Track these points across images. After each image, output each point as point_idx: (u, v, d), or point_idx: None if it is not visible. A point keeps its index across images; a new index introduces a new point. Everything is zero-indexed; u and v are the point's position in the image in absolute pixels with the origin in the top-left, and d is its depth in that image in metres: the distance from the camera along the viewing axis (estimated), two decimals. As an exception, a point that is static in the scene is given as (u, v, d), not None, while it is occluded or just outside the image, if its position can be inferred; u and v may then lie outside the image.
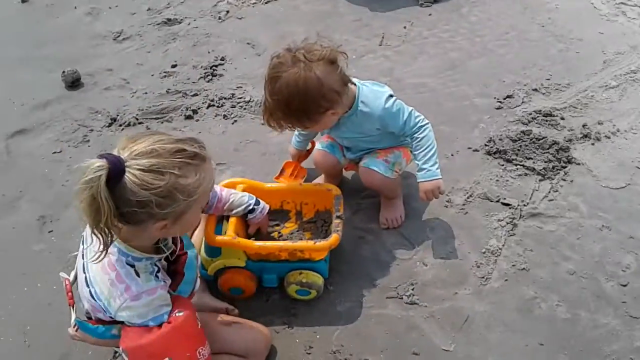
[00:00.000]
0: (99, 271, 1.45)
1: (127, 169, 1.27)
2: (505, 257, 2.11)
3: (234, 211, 1.92)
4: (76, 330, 1.55)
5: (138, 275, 1.43)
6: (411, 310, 1.96)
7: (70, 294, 1.59)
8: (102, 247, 1.34)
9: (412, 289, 2.02)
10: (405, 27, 3.48)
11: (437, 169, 2.02)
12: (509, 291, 2.00)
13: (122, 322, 1.46)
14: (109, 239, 1.33)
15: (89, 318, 1.57)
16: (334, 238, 1.86)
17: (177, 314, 1.46)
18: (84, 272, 1.51)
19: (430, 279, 2.05)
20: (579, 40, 3.29)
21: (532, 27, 3.44)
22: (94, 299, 1.47)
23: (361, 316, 1.95)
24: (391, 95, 2.02)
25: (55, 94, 3.08)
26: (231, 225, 1.91)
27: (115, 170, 1.25)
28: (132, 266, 1.44)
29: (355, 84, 2.00)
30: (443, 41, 3.36)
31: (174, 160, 1.31)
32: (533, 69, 3.08)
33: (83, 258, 1.54)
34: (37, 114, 2.95)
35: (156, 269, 1.49)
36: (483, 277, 2.05)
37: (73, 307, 1.60)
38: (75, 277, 1.62)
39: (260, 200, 1.98)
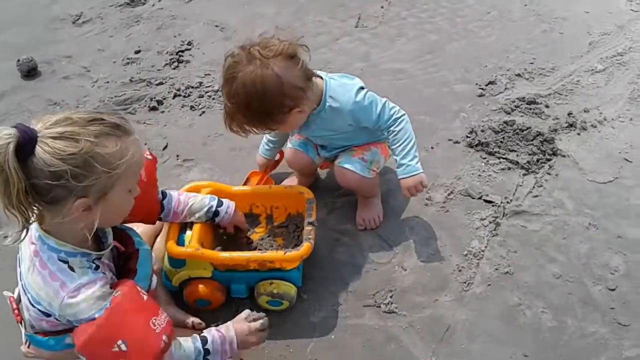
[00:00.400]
0: (32, 274, 1.32)
1: (39, 138, 1.17)
2: (488, 260, 2.00)
3: (196, 216, 1.80)
4: (28, 347, 1.45)
5: (73, 270, 1.30)
6: (389, 319, 1.85)
7: (16, 310, 1.46)
8: (21, 225, 1.24)
9: (391, 296, 1.91)
10: (382, 7, 3.32)
11: (417, 163, 1.90)
12: (492, 297, 1.90)
13: (71, 328, 1.34)
14: (27, 217, 1.22)
15: (37, 332, 1.44)
16: (305, 247, 1.74)
17: (115, 295, 1.32)
18: (21, 280, 1.38)
19: (409, 284, 1.94)
20: (563, 20, 3.16)
21: (514, 6, 3.30)
22: (33, 305, 1.34)
23: (337, 327, 1.84)
24: (362, 88, 1.88)
25: (11, 84, 2.88)
26: (194, 233, 1.77)
27: (26, 138, 1.14)
28: (65, 262, 1.30)
29: (322, 78, 1.86)
30: (422, 22, 3.21)
31: (89, 127, 1.21)
32: (516, 52, 2.95)
33: (20, 265, 1.40)
34: (-9, 106, 2.76)
35: (94, 266, 1.35)
36: (465, 282, 1.94)
37: (22, 323, 1.46)
38: (19, 296, 1.47)
39: (223, 200, 1.84)
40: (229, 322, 1.55)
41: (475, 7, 3.31)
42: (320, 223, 2.11)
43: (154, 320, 1.33)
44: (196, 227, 1.79)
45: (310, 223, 1.81)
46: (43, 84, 2.88)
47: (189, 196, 1.80)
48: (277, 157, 2.27)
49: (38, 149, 1.16)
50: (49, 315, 1.34)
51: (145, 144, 2.50)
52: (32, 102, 2.77)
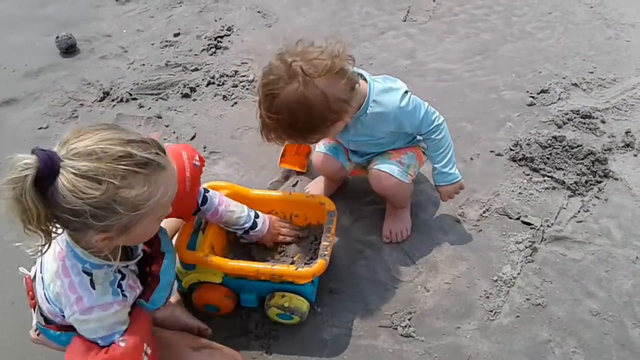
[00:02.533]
0: (53, 275, 1.29)
1: (61, 169, 1.08)
2: (519, 289, 1.85)
3: (227, 228, 1.75)
4: (38, 335, 1.43)
5: (93, 286, 1.26)
6: (405, 344, 1.73)
7: (31, 293, 1.43)
8: (43, 240, 1.17)
9: (409, 319, 1.79)
10: (434, 1, 3.15)
11: (456, 170, 1.88)
12: (519, 330, 1.75)
13: None
14: (49, 236, 1.16)
15: (48, 322, 1.41)
16: (319, 264, 1.63)
17: (119, 343, 1.27)
18: (41, 272, 1.36)
19: (431, 307, 1.82)
20: (632, 27, 2.92)
21: (579, 8, 3.07)
22: (49, 302, 1.33)
23: (349, 346, 1.74)
24: (406, 92, 1.76)
25: (49, 60, 2.88)
26: (207, 237, 1.71)
27: (46, 170, 1.06)
28: (89, 274, 1.26)
29: (365, 79, 1.74)
30: (475, 19, 3.02)
31: (116, 167, 1.10)
32: (575, 59, 2.73)
33: (41, 272, 1.38)
34: (27, 82, 2.76)
35: (119, 276, 1.30)
36: (491, 311, 1.80)
37: (34, 309, 1.44)
38: (36, 273, 1.44)
39: (260, 217, 1.77)
40: None
41: (535, 6, 3.10)
42: (344, 232, 2.04)
43: None
44: (208, 230, 1.72)
45: (327, 238, 1.70)
46: (80, 62, 2.86)
47: (229, 208, 1.71)
48: None
49: (59, 181, 1.08)
50: (63, 316, 1.32)
51: (174, 132, 2.45)
52: (67, 81, 2.75)
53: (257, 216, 1.76)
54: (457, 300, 1.84)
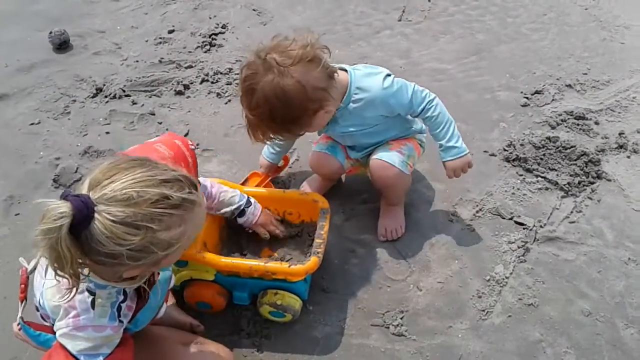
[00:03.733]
0: (53, 287, 1.27)
1: (96, 215, 1.06)
2: (511, 288, 1.85)
3: (222, 211, 1.73)
4: (19, 330, 1.39)
5: (94, 307, 1.23)
6: (397, 342, 1.73)
7: (23, 286, 1.39)
8: (71, 285, 1.14)
9: (401, 318, 1.78)
10: (429, 1, 3.15)
11: (462, 143, 1.84)
12: (511, 330, 1.75)
13: None
14: (77, 281, 1.14)
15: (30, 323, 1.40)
16: (312, 262, 1.62)
17: None
18: (44, 277, 1.33)
19: (423, 307, 1.81)
20: (626, 29, 2.93)
21: (574, 10, 3.08)
22: (41, 307, 1.32)
23: (340, 345, 1.73)
24: (389, 74, 1.77)
25: (42, 56, 2.85)
26: (199, 235, 1.67)
27: (81, 218, 1.04)
28: (93, 294, 1.23)
29: (345, 70, 1.75)
30: (470, 20, 3.02)
31: (153, 211, 1.09)
32: (569, 60, 2.74)
33: (44, 277, 1.34)
34: (19, 77, 2.74)
35: (121, 298, 1.28)
36: (483, 310, 1.79)
37: (22, 304, 1.40)
38: (34, 268, 1.40)
39: (252, 199, 1.77)
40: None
41: (530, 7, 3.10)
42: (337, 230, 2.03)
43: None
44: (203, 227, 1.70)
45: (320, 236, 1.69)
46: (73, 59, 2.84)
47: (221, 190, 1.72)
48: (281, 163, 2.17)
49: (95, 227, 1.05)
50: (52, 325, 1.30)
51: (167, 129, 2.43)
52: (59, 77, 2.73)
53: (248, 199, 1.76)
54: (450, 299, 1.83)
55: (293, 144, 2.07)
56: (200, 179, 1.68)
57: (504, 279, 1.87)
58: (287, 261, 1.72)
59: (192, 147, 1.58)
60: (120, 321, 1.28)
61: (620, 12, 3.02)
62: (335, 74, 1.68)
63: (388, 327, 1.76)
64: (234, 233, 1.85)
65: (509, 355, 1.69)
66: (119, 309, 1.27)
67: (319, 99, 1.61)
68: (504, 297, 1.83)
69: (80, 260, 1.09)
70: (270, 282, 1.69)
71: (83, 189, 1.09)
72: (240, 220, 1.76)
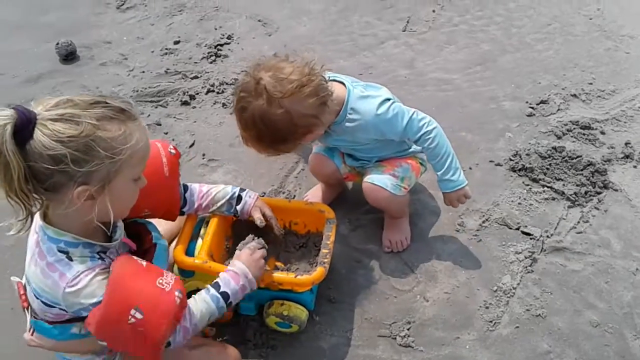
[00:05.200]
0: (32, 265, 1.28)
1: (38, 120, 1.11)
2: (519, 299, 1.84)
3: (218, 204, 1.72)
4: (32, 334, 1.39)
5: (71, 259, 1.24)
6: (404, 354, 1.72)
7: (24, 296, 1.39)
8: (24, 213, 1.19)
9: (408, 329, 1.77)
10: (434, 11, 3.16)
11: (460, 175, 1.82)
12: (519, 341, 1.74)
13: (81, 318, 1.29)
14: (29, 205, 1.18)
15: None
16: (318, 272, 1.62)
17: (110, 269, 1.27)
18: (28, 282, 1.34)
19: (430, 317, 1.80)
20: (631, 39, 2.93)
21: (578, 20, 3.08)
22: (36, 297, 1.30)
23: (347, 356, 1.72)
24: (387, 99, 1.75)
25: (49, 67, 2.88)
26: (205, 244, 1.69)
27: (24, 120, 1.09)
28: (65, 252, 1.24)
29: (344, 85, 1.76)
30: (475, 30, 3.03)
31: (92, 111, 1.15)
32: (574, 70, 2.74)
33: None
34: (27, 88, 2.76)
35: (97, 257, 1.28)
36: (491, 322, 1.79)
37: (27, 309, 1.40)
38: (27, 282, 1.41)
39: (246, 188, 1.76)
40: (234, 260, 1.55)
41: (534, 17, 3.11)
42: (343, 241, 2.02)
43: (160, 280, 1.28)
44: (207, 237, 1.70)
45: (327, 246, 1.69)
46: (80, 69, 2.86)
47: (211, 187, 1.73)
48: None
49: (37, 132, 1.10)
50: (53, 307, 1.28)
51: (173, 139, 2.44)
52: (66, 87, 2.75)
53: (242, 190, 1.75)
54: (457, 310, 1.82)
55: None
56: (188, 184, 1.70)
57: (511, 290, 1.86)
58: (293, 271, 1.72)
59: (172, 151, 1.58)
60: (103, 260, 1.28)
61: (625, 22, 3.03)
62: (329, 99, 1.67)
63: (395, 338, 1.75)
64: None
65: (517, 366, 1.69)
66: (94, 257, 1.27)
67: (306, 125, 1.64)
68: (512, 307, 1.82)
69: (27, 179, 1.11)
70: (276, 293, 1.69)
71: None
72: (239, 208, 1.73)
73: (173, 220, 1.69)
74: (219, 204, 1.72)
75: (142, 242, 1.45)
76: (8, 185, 1.11)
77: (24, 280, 1.41)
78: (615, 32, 2.97)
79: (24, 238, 2.04)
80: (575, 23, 3.06)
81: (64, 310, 1.27)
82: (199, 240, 1.73)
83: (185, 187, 1.69)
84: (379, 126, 1.74)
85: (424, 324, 1.79)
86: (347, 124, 1.74)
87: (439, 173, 1.82)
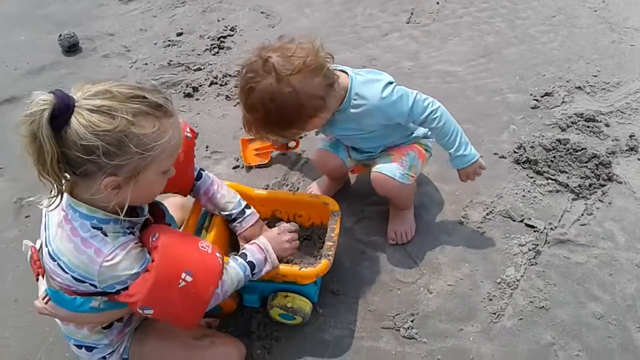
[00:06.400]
0: (63, 240, 1.28)
1: (76, 108, 1.12)
2: (522, 291, 1.84)
3: (217, 212, 1.72)
4: (46, 302, 1.37)
5: (106, 235, 1.27)
6: (408, 345, 1.72)
7: (38, 262, 1.38)
8: (55, 191, 1.21)
9: (412, 320, 1.77)
10: (438, 3, 3.15)
11: (471, 149, 1.82)
12: (522, 333, 1.74)
13: (104, 294, 1.31)
14: (60, 183, 1.19)
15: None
16: (323, 264, 1.62)
17: (152, 239, 1.31)
18: (46, 246, 1.33)
19: (433, 309, 1.80)
20: (635, 31, 2.91)
21: (583, 12, 3.06)
22: (65, 271, 1.28)
23: (351, 348, 1.72)
24: (390, 83, 1.74)
25: (51, 59, 2.87)
26: (210, 237, 1.68)
27: (62, 107, 1.10)
28: (99, 229, 1.26)
29: (347, 73, 1.74)
30: (479, 22, 3.01)
31: (129, 105, 1.15)
32: (579, 62, 2.72)
33: (46, 230, 1.35)
34: (29, 80, 2.76)
35: (128, 231, 1.31)
36: (495, 313, 1.79)
37: (43, 276, 1.38)
38: (41, 247, 1.40)
39: (250, 210, 1.73)
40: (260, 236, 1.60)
41: (539, 9, 3.09)
42: (346, 233, 2.02)
43: (201, 244, 1.36)
44: (212, 229, 1.70)
45: (331, 238, 1.69)
46: (83, 61, 2.86)
47: (221, 191, 1.70)
48: (293, 144, 2.19)
49: (73, 120, 1.11)
50: (84, 282, 1.29)
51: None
52: (69, 80, 2.74)
53: (247, 207, 1.73)
54: (460, 302, 1.82)
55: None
56: (205, 172, 1.71)
57: (515, 282, 1.86)
58: (297, 264, 1.72)
59: (188, 135, 1.57)
60: (134, 234, 1.33)
61: (630, 14, 3.01)
62: (336, 82, 1.67)
63: (399, 330, 1.75)
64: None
65: (520, 358, 1.68)
66: (126, 233, 1.30)
67: (314, 107, 1.61)
68: (515, 300, 1.82)
69: (59, 162, 1.13)
70: (280, 285, 1.69)
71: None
72: (232, 225, 1.74)
73: (185, 195, 1.72)
74: (218, 212, 1.72)
75: (156, 219, 1.46)
76: (41, 166, 1.13)
77: (38, 245, 1.41)
78: (620, 24, 2.96)
79: (28, 232, 2.05)
80: (580, 15, 3.04)
81: (94, 285, 1.28)
82: (203, 232, 1.73)
83: (200, 176, 1.69)
84: (385, 109, 1.72)
85: (428, 315, 1.79)
86: (352, 110, 1.72)
87: (451, 151, 1.80)
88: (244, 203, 1.73)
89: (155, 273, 1.26)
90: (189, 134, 1.58)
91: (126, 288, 1.28)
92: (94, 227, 1.26)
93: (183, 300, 1.30)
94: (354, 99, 1.71)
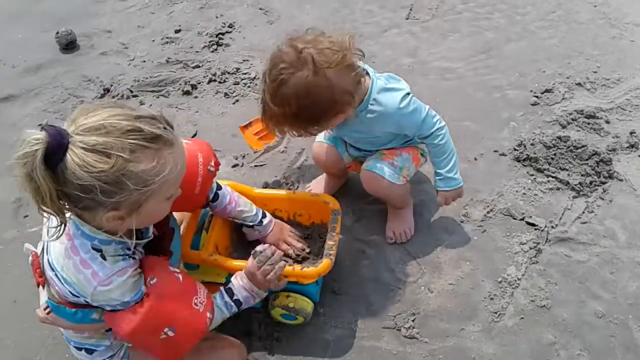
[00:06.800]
0: (62, 255, 1.27)
1: (70, 145, 1.08)
2: (523, 290, 1.83)
3: (236, 221, 1.74)
4: (48, 313, 1.37)
5: (104, 259, 1.25)
6: (409, 345, 1.72)
7: (39, 270, 1.37)
8: (58, 222, 1.18)
9: (413, 320, 1.77)
10: (437, -2, 3.12)
11: (458, 175, 1.82)
12: (524, 332, 1.74)
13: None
14: (62, 215, 1.17)
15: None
16: (324, 264, 1.61)
17: (150, 282, 1.31)
18: (46, 254, 1.32)
19: (434, 309, 1.80)
20: (636, 26, 2.89)
21: (583, 7, 3.04)
22: (62, 283, 1.28)
23: (352, 348, 1.72)
24: (408, 94, 1.72)
25: (48, 56, 2.85)
26: (211, 237, 1.68)
27: (56, 146, 1.07)
28: (99, 250, 1.25)
29: (369, 75, 1.70)
30: (479, 18, 3.00)
31: (125, 140, 1.10)
32: (579, 59, 2.71)
33: (47, 254, 1.33)
34: (27, 78, 2.74)
35: (129, 252, 1.30)
36: (496, 313, 1.78)
37: (44, 286, 1.38)
38: (42, 252, 1.39)
39: (267, 218, 1.74)
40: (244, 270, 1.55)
41: (538, 5, 3.07)
42: (346, 232, 2.01)
43: (195, 300, 1.35)
44: (212, 230, 1.70)
45: (332, 238, 1.68)
46: (80, 59, 2.83)
47: (237, 208, 1.69)
48: None
49: (68, 157, 1.07)
50: (78, 297, 1.29)
51: (175, 130, 2.42)
52: (67, 77, 2.72)
53: (264, 216, 1.74)
54: (461, 301, 1.82)
55: None
56: (222, 191, 1.67)
57: (516, 281, 1.85)
58: (299, 262, 1.71)
59: (211, 169, 1.54)
60: (134, 258, 1.31)
61: (630, 10, 2.99)
62: (363, 79, 1.64)
63: (400, 330, 1.75)
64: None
65: (522, 357, 1.68)
66: (127, 257, 1.29)
67: (343, 103, 1.58)
68: (516, 299, 1.82)
69: (57, 199, 1.10)
70: (281, 284, 1.69)
71: (63, 126, 1.11)
72: (245, 230, 1.77)
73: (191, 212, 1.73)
74: (237, 221, 1.73)
75: (160, 224, 1.44)
76: (41, 201, 1.10)
77: (38, 249, 1.39)
78: (620, 19, 2.94)
79: (27, 232, 2.04)
80: (580, 10, 3.02)
81: (87, 301, 1.28)
82: (204, 233, 1.72)
83: (216, 196, 1.65)
84: (399, 120, 1.70)
85: (429, 315, 1.79)
86: (368, 115, 1.69)
87: (442, 171, 1.80)
88: (261, 214, 1.73)
89: (140, 318, 1.26)
90: (212, 168, 1.55)
91: (115, 311, 1.28)
92: (94, 249, 1.24)
93: (162, 347, 1.33)
94: (371, 104, 1.68)
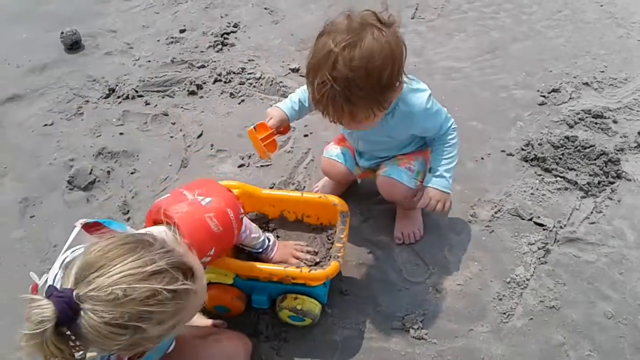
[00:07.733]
0: None
1: (82, 311, 1.01)
2: (532, 290, 1.82)
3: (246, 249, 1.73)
4: None
5: None
6: (418, 346, 1.71)
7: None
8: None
9: (421, 321, 1.76)
10: (442, -3, 3.11)
11: (451, 181, 1.78)
12: (533, 333, 1.73)
13: None
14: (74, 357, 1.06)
15: None
16: (333, 266, 1.60)
17: None
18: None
19: (443, 310, 1.79)
20: (643, 26, 2.88)
21: (589, 6, 3.03)
22: None
23: (360, 349, 1.71)
24: (430, 94, 1.70)
25: (53, 56, 2.84)
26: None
27: (65, 319, 0.99)
28: None
29: None
30: (484, 17, 2.98)
31: (142, 309, 1.03)
32: (585, 58, 2.70)
33: (54, 281, 1.28)
34: (32, 78, 2.73)
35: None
36: (504, 313, 1.77)
37: None
38: (45, 283, 1.35)
39: (271, 242, 1.72)
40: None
41: (545, 4, 3.06)
42: (354, 232, 2.00)
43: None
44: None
45: (340, 240, 1.67)
46: (85, 59, 2.83)
47: (251, 235, 1.65)
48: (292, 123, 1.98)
49: (81, 324, 1.00)
50: None
51: (181, 130, 2.42)
52: (72, 77, 2.72)
53: (269, 240, 1.72)
54: (470, 302, 1.81)
55: (310, 111, 1.84)
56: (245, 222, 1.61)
57: (524, 281, 1.84)
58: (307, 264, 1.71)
59: (242, 215, 1.50)
60: None
61: (636, 9, 2.98)
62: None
63: (408, 331, 1.74)
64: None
65: (531, 358, 1.67)
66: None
67: (399, 85, 1.50)
68: (525, 299, 1.81)
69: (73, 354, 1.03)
70: (289, 286, 1.68)
71: (69, 281, 1.04)
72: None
73: None
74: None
75: None
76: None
77: (40, 282, 1.34)
78: (626, 19, 2.93)
79: (34, 232, 2.04)
80: (586, 10, 3.01)
81: None
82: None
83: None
84: (424, 120, 1.69)
85: (437, 315, 1.78)
86: (395, 116, 1.66)
87: (440, 168, 1.76)
88: (266, 240, 1.71)
89: None
90: (242, 215, 1.50)
91: None
92: None
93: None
94: (399, 105, 1.64)
